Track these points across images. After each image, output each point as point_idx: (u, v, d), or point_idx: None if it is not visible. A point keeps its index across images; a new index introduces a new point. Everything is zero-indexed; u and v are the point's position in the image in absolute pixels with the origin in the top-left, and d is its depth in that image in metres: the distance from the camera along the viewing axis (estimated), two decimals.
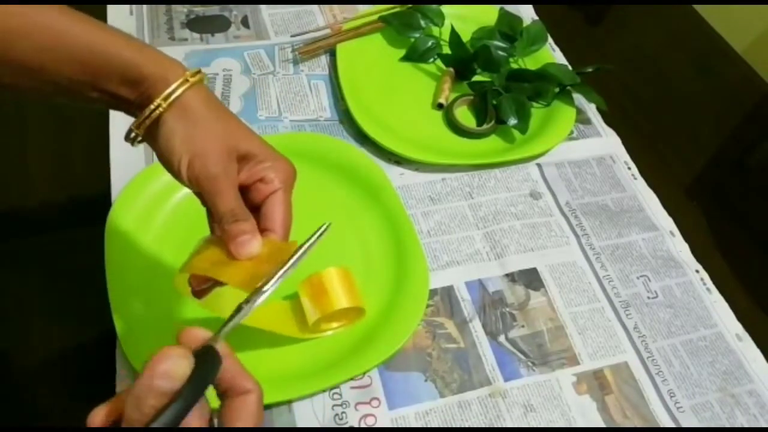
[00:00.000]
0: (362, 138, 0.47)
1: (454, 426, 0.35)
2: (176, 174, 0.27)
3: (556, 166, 0.49)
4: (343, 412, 0.34)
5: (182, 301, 0.37)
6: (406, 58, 0.53)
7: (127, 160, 0.43)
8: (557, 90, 0.51)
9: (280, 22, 0.55)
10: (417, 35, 0.53)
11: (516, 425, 0.35)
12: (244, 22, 0.55)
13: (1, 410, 0.33)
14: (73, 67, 0.25)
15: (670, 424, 0.36)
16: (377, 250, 0.41)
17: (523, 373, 0.37)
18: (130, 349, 0.34)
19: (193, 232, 0.39)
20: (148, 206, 0.40)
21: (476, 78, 0.53)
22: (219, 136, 0.26)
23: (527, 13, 0.59)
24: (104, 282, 0.36)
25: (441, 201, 0.45)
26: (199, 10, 0.54)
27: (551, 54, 0.55)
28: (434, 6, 0.54)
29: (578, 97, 0.52)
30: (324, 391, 0.35)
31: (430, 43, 0.53)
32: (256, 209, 0.28)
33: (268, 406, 0.34)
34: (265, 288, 0.24)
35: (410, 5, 0.54)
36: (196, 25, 0.54)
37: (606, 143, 0.51)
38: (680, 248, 0.45)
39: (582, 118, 0.52)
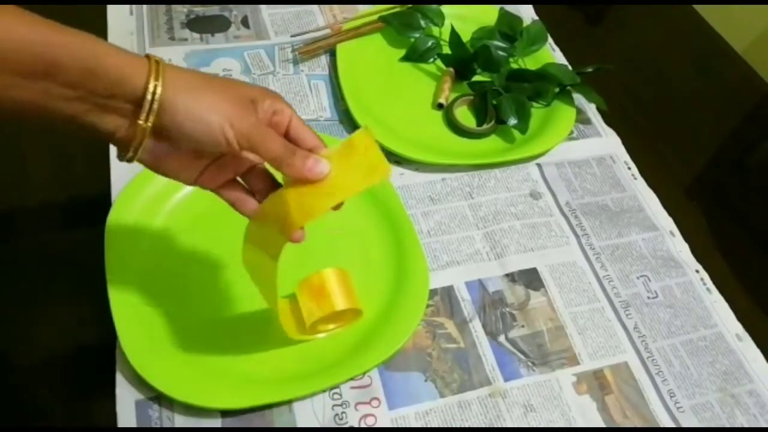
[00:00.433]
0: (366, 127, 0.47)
1: (454, 426, 0.35)
2: (218, 144, 0.26)
3: (556, 166, 0.49)
4: (343, 412, 0.34)
5: (183, 302, 0.37)
6: (406, 58, 0.53)
7: None
8: (557, 90, 0.51)
9: (280, 22, 0.55)
10: (417, 35, 0.53)
11: (516, 425, 0.35)
12: (244, 22, 0.55)
13: (0, 410, 0.33)
14: (24, 63, 0.23)
15: (670, 425, 0.36)
16: (377, 250, 0.41)
17: (523, 373, 0.37)
18: (129, 350, 0.33)
19: (192, 232, 0.40)
20: (148, 206, 0.40)
21: (476, 78, 0.52)
22: (229, 93, 0.26)
23: (527, 13, 0.59)
24: (104, 282, 0.36)
25: (441, 201, 0.45)
26: (199, 10, 0.54)
27: (551, 54, 0.55)
28: (434, 6, 0.54)
29: (578, 97, 0.52)
30: (324, 391, 0.35)
31: (430, 43, 0.53)
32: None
33: (268, 406, 0.34)
34: None
35: (410, 5, 0.54)
36: (196, 25, 0.53)
37: (606, 143, 0.51)
38: (680, 248, 0.45)
39: (582, 118, 0.52)
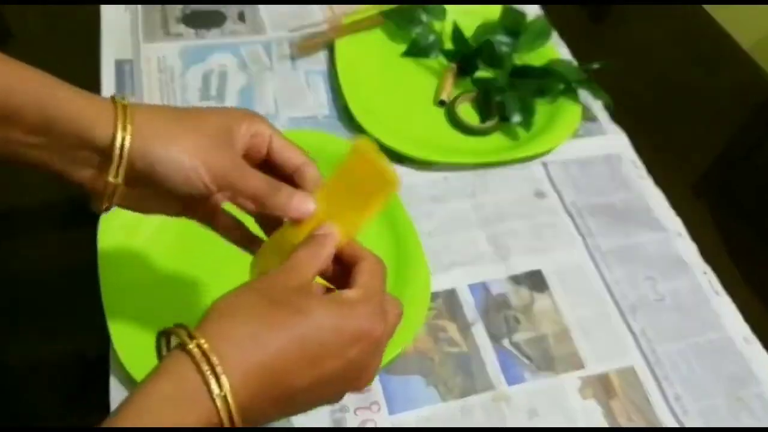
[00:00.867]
0: (362, 136, 0.46)
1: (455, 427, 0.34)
2: (196, 189, 0.24)
3: (562, 165, 0.48)
4: (342, 418, 0.34)
5: (177, 304, 0.36)
6: (407, 54, 0.52)
7: None
8: (562, 87, 0.50)
9: (277, 17, 0.54)
10: (418, 30, 0.52)
11: None
12: (241, 17, 0.54)
13: None
14: None
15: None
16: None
17: (527, 377, 0.37)
18: (124, 352, 0.33)
19: (185, 234, 0.39)
20: None
21: (479, 74, 0.51)
22: (203, 129, 0.25)
23: (532, 10, 0.57)
24: (99, 284, 0.35)
25: (443, 200, 0.44)
26: (195, 4, 0.53)
27: (556, 50, 0.54)
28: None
29: (584, 95, 0.51)
30: None
31: (431, 38, 0.52)
32: (265, 165, 0.27)
33: None
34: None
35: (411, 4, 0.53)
36: (192, 20, 0.52)
37: (613, 141, 0.50)
38: (688, 250, 0.44)
39: (588, 116, 0.51)
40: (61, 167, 0.24)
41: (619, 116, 0.51)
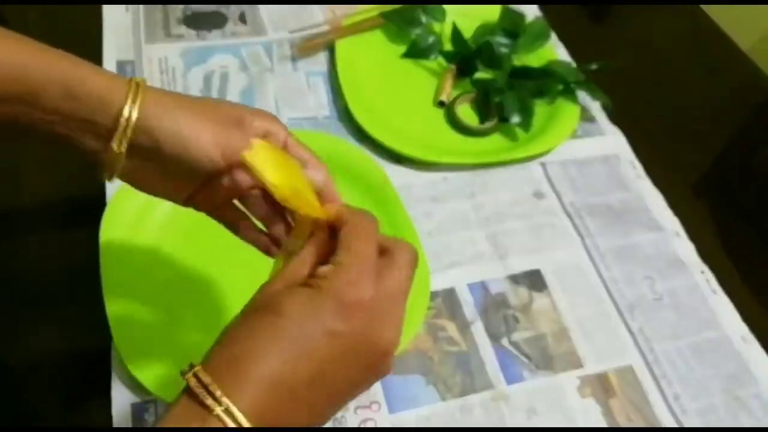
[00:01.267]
0: (362, 136, 0.46)
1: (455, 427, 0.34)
2: (199, 161, 0.24)
3: (560, 166, 0.48)
4: (342, 416, 0.34)
5: (178, 304, 0.36)
6: (407, 55, 0.52)
7: None
8: (561, 87, 0.50)
9: (278, 18, 0.54)
10: (418, 31, 0.52)
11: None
12: (242, 18, 0.54)
13: None
14: (2, 87, 0.23)
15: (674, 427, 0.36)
16: None
17: (526, 376, 0.37)
18: (125, 351, 0.33)
19: (188, 233, 0.39)
20: (142, 206, 0.39)
21: (478, 75, 0.52)
22: (212, 113, 0.25)
23: (531, 11, 0.58)
24: (100, 283, 0.35)
25: (442, 201, 0.44)
26: (196, 5, 0.54)
27: (555, 51, 0.54)
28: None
29: (582, 95, 0.51)
30: None
31: (431, 40, 0.52)
32: None
33: None
34: None
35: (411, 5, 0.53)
36: (193, 21, 0.53)
37: (611, 142, 0.50)
38: (686, 249, 0.44)
39: (586, 117, 0.51)
40: (69, 136, 0.24)
41: (617, 117, 0.52)
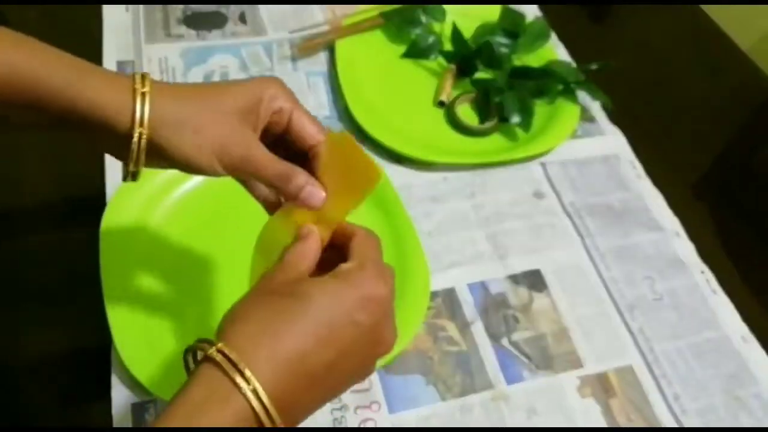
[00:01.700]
0: (362, 136, 0.46)
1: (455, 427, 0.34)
2: (210, 174, 0.25)
3: (560, 166, 0.48)
4: (342, 416, 0.34)
5: (179, 303, 0.36)
6: (407, 55, 0.52)
7: None
8: (561, 87, 0.50)
9: (278, 18, 0.54)
10: (418, 31, 0.52)
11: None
12: (242, 18, 0.54)
13: None
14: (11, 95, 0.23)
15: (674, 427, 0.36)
16: None
17: (526, 376, 0.37)
18: (125, 352, 0.33)
19: (188, 233, 0.39)
20: (143, 206, 0.39)
21: (478, 75, 0.52)
22: (220, 110, 0.25)
23: (531, 11, 0.58)
24: (100, 283, 0.35)
25: (442, 201, 0.44)
26: (196, 6, 0.54)
27: (555, 51, 0.54)
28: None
29: (583, 95, 0.51)
30: None
31: (431, 40, 0.52)
32: (282, 140, 0.27)
33: None
34: None
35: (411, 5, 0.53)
36: (193, 21, 0.53)
37: (611, 142, 0.50)
38: (686, 249, 0.44)
39: (586, 117, 0.51)
40: (84, 139, 0.25)
41: (617, 117, 0.52)
